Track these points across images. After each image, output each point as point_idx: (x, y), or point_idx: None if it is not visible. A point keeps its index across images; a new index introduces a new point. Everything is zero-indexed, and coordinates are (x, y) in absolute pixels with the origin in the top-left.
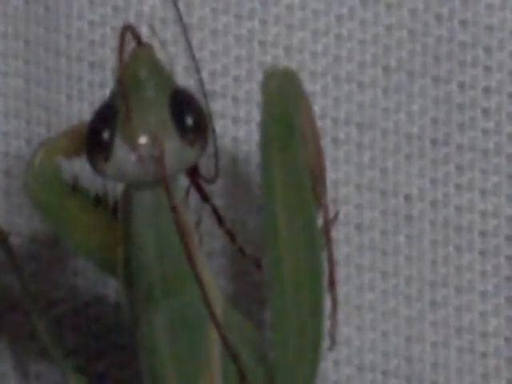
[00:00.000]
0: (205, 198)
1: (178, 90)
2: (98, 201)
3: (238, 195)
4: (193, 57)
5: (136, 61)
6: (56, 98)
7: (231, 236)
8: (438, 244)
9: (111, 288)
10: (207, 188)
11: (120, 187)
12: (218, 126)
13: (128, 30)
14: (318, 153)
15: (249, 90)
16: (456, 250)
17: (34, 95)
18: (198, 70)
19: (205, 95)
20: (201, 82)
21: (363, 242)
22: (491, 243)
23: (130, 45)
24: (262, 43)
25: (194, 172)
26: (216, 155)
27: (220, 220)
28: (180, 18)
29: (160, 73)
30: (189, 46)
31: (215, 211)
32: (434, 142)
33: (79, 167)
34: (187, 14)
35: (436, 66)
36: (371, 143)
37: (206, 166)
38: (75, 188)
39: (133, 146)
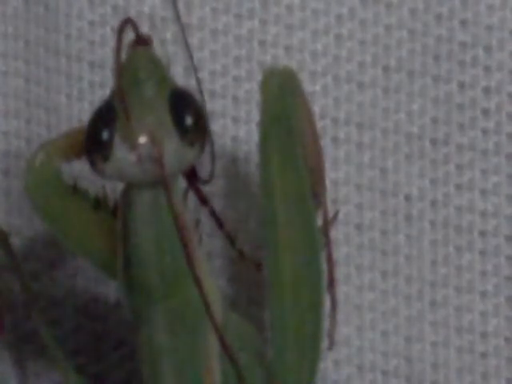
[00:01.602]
0: (203, 201)
1: (178, 89)
2: (98, 202)
3: (237, 195)
4: (191, 57)
5: (135, 60)
6: (56, 98)
7: (230, 238)
8: (437, 244)
9: (111, 288)
10: (206, 189)
11: (119, 188)
12: (218, 125)
13: (127, 23)
14: (318, 152)
15: (249, 90)
16: (456, 250)
17: (34, 95)
18: (195, 70)
19: (202, 94)
20: (198, 82)
21: (363, 241)
22: (491, 243)
23: (131, 42)
24: (262, 43)
25: (191, 174)
26: (212, 155)
27: (219, 222)
28: (178, 18)
29: (159, 72)
30: (187, 46)
31: (214, 214)
32: (433, 142)
33: (79, 168)
34: (187, 14)
35: (436, 65)
36: (371, 143)
37: (202, 166)
38: (75, 190)
39: (132, 145)
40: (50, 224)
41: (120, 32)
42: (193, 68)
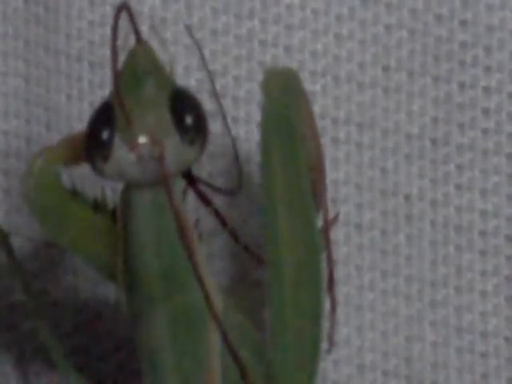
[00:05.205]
0: (205, 200)
1: (178, 88)
2: (97, 204)
3: (238, 195)
4: (207, 70)
5: (135, 58)
6: (56, 98)
7: (235, 235)
8: (437, 244)
9: (111, 288)
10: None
11: (119, 189)
12: (218, 125)
13: (123, 9)
14: (318, 152)
15: (249, 90)
16: (456, 250)
17: (34, 95)
18: (211, 78)
19: (218, 98)
20: (214, 91)
21: (363, 241)
22: (491, 243)
23: (129, 38)
24: (262, 43)
25: (190, 175)
26: (239, 169)
27: (223, 221)
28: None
29: (159, 71)
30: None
31: (217, 213)
32: (433, 142)
33: (77, 172)
34: (187, 14)
35: (436, 65)
36: (371, 143)
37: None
38: (74, 193)
39: (132, 145)
40: (49, 230)
41: (116, 18)
42: (207, 73)
